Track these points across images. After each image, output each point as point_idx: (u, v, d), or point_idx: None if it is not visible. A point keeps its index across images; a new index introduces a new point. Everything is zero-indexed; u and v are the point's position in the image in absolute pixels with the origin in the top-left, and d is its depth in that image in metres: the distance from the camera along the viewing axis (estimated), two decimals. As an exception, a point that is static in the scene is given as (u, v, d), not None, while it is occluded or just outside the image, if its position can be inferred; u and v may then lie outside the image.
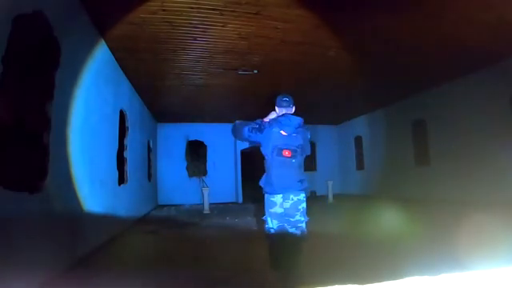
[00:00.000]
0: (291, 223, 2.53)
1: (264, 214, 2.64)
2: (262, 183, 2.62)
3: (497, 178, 6.27)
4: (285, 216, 2.54)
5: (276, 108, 2.72)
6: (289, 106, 2.70)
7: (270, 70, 6.34)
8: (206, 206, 8.60)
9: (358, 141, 12.11)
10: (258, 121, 2.67)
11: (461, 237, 3.44)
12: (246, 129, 2.59)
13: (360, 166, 12.01)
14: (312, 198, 11.63)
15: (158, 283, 2.80)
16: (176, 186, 11.20)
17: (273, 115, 2.73)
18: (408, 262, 2.96)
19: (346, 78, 7.09)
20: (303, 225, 2.55)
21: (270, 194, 2.54)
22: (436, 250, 3.37)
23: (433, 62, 6.12)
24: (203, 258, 3.66)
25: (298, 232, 2.53)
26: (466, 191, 6.93)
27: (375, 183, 10.67)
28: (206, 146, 11.91)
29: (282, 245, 2.51)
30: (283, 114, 2.65)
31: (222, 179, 11.53)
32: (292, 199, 2.51)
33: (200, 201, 9.78)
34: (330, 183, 10.28)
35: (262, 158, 2.66)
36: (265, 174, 2.61)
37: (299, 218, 2.53)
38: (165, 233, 5.64)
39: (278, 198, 2.53)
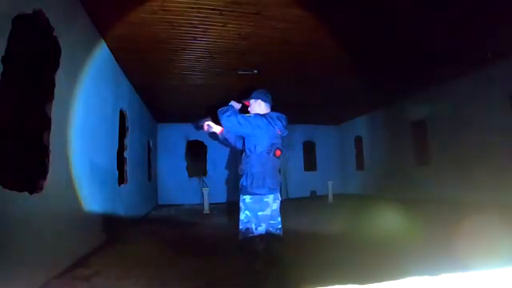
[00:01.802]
0: (274, 226, 2.40)
1: (243, 222, 2.31)
2: (247, 183, 2.30)
3: (497, 178, 6.26)
4: (270, 219, 2.37)
5: (262, 103, 2.55)
6: (271, 104, 2.61)
7: (270, 69, 6.34)
8: (206, 206, 8.60)
9: (358, 141, 12.11)
10: (236, 110, 2.46)
11: (461, 237, 3.44)
12: (237, 118, 2.32)
13: (360, 166, 12.01)
14: (312, 198, 11.66)
15: (157, 283, 2.80)
16: (176, 185, 11.19)
17: (237, 105, 2.50)
18: (408, 261, 2.96)
19: (346, 78, 7.09)
20: (280, 225, 2.49)
21: (264, 194, 2.30)
22: (436, 250, 3.37)
23: (433, 61, 6.12)
24: (203, 258, 3.66)
25: (281, 233, 2.45)
26: (465, 191, 6.93)
27: (375, 183, 10.67)
28: (206, 146, 11.91)
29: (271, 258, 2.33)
30: (273, 112, 2.53)
31: (222, 179, 11.53)
32: (279, 199, 2.43)
33: (200, 201, 9.78)
34: (330, 183, 10.27)
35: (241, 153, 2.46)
36: (249, 172, 2.33)
37: (278, 219, 2.44)
38: (165, 233, 5.64)
39: (270, 199, 2.32)
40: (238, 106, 2.51)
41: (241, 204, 2.36)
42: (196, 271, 3.11)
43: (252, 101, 2.59)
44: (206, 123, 2.62)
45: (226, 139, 2.66)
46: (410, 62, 6.11)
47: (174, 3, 3.91)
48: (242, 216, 2.34)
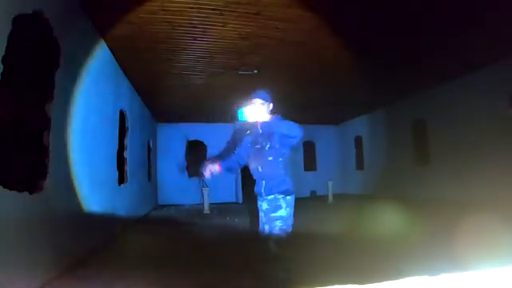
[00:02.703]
0: None
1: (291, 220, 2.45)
2: (290, 184, 2.45)
3: (496, 177, 6.26)
4: None
5: (271, 106, 2.52)
6: None
7: (270, 70, 6.34)
8: (206, 206, 8.61)
9: (358, 141, 12.11)
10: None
11: (460, 237, 3.44)
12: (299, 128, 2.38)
13: (360, 165, 12.01)
14: (312, 198, 11.66)
15: (157, 283, 2.80)
16: (176, 186, 11.20)
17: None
18: (408, 261, 2.96)
19: (346, 78, 7.09)
20: None
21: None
22: (435, 250, 3.37)
23: (433, 61, 6.12)
24: (203, 258, 3.66)
25: None
26: (465, 191, 6.93)
27: (375, 183, 10.67)
28: (205, 146, 11.91)
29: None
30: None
31: (222, 179, 11.52)
32: None
33: (200, 201, 9.78)
34: (330, 183, 10.28)
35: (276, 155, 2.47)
36: (286, 174, 2.47)
37: None
38: (165, 233, 5.64)
39: None
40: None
41: (289, 202, 2.42)
42: (196, 271, 3.11)
43: (271, 105, 2.53)
44: (209, 169, 2.54)
45: (229, 169, 2.70)
46: (410, 61, 6.12)
47: (173, 3, 3.91)
48: (290, 211, 2.42)
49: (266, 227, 2.42)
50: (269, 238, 2.38)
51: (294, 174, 12.11)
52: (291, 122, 2.37)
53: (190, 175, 11.71)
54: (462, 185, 7.08)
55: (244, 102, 2.51)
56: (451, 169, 7.48)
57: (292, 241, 2.44)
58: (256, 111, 2.43)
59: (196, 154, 11.89)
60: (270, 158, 2.43)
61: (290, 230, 2.41)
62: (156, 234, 5.51)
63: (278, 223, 2.37)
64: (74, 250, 3.45)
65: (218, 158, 2.73)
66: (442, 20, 4.52)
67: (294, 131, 2.34)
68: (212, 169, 2.56)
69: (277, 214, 2.38)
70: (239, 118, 2.47)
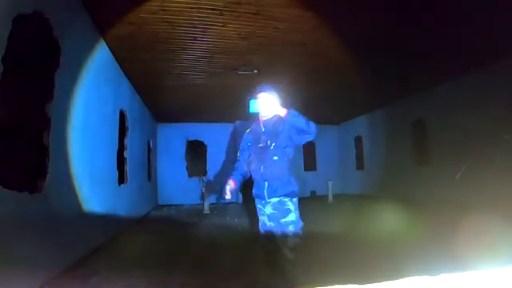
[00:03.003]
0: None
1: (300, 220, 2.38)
2: (297, 186, 2.38)
3: (496, 178, 6.25)
4: None
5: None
6: None
7: (270, 70, 6.34)
8: (206, 206, 8.61)
9: (358, 141, 12.11)
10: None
11: (460, 237, 3.44)
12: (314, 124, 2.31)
13: (360, 166, 12.00)
14: (312, 198, 11.66)
15: (157, 283, 2.80)
16: (176, 185, 11.20)
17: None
18: (408, 262, 2.96)
19: (346, 78, 7.09)
20: None
21: None
22: (435, 250, 3.37)
23: (433, 62, 6.12)
24: (203, 258, 3.66)
25: None
26: (465, 191, 6.92)
27: (375, 183, 10.66)
28: (205, 146, 11.92)
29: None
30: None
31: (222, 180, 11.50)
32: None
33: (200, 201, 9.78)
34: (330, 183, 10.28)
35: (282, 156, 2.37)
36: (289, 174, 2.37)
37: None
38: (164, 233, 5.64)
39: None
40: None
41: (296, 205, 2.34)
42: (196, 271, 3.11)
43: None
44: (228, 189, 2.47)
45: (242, 180, 2.60)
46: (410, 61, 6.12)
47: (173, 3, 3.91)
48: (298, 213, 2.33)
49: (278, 233, 2.29)
50: (283, 243, 2.25)
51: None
52: (306, 119, 2.24)
53: (190, 175, 11.70)
54: (462, 185, 7.07)
55: (255, 94, 2.37)
56: (451, 169, 7.46)
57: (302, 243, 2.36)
58: (268, 103, 2.29)
59: (196, 153, 11.90)
60: (275, 158, 2.29)
61: (301, 232, 2.29)
62: (156, 233, 5.51)
63: (291, 228, 2.25)
64: (74, 250, 3.45)
65: (224, 172, 2.71)
66: (442, 20, 4.52)
67: (312, 127, 2.24)
68: (230, 188, 2.46)
69: (287, 219, 2.26)
70: (250, 110, 2.35)
